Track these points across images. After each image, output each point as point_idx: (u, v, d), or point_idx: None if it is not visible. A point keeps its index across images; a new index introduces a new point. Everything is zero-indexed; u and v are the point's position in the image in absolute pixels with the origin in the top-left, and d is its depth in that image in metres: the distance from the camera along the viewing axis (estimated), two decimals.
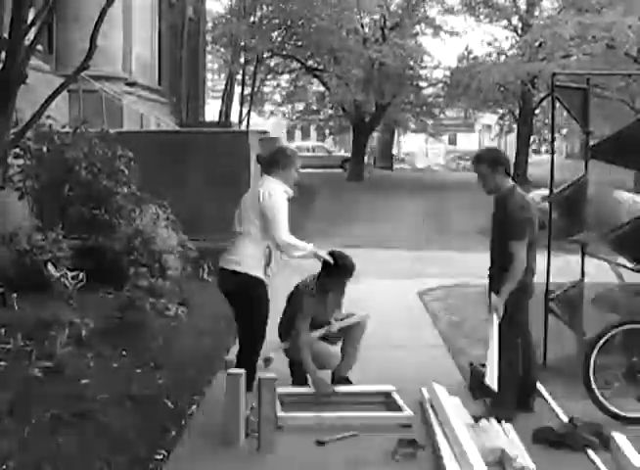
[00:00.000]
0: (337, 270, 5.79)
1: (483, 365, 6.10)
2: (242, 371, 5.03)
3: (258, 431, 4.83)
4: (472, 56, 30.21)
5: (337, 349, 6.10)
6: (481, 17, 30.79)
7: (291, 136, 52.17)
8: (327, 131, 42.58)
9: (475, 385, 6.03)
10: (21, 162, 8.43)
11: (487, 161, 5.44)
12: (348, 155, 34.24)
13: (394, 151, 46.03)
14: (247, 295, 5.26)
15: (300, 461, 4.73)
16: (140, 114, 15.20)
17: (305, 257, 5.40)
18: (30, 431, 4.58)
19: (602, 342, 5.50)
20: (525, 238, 5.27)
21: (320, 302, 6.02)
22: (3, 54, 6.05)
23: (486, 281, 5.68)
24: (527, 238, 5.29)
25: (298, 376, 5.92)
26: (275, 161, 5.46)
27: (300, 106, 36.95)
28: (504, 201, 5.39)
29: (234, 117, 28.71)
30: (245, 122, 29.04)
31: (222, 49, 31.00)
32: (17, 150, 8.00)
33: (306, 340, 5.78)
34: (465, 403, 5.55)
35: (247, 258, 5.24)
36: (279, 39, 29.50)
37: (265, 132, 18.09)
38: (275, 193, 5.26)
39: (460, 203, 23.15)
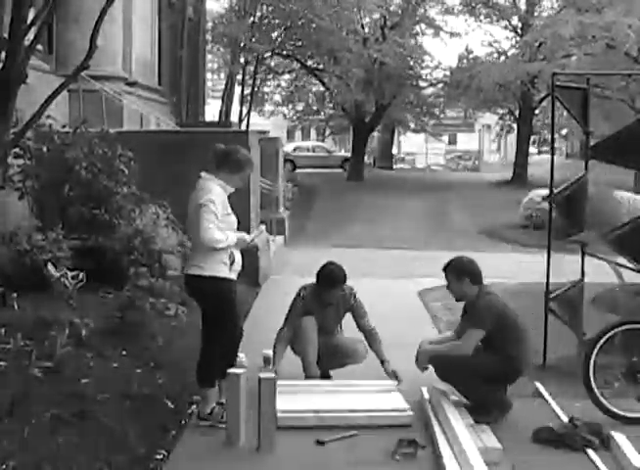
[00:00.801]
0: (319, 281, 6.05)
1: None
2: (242, 371, 5.03)
3: (258, 431, 4.83)
4: (472, 56, 30.25)
5: (361, 345, 6.22)
6: (481, 17, 30.82)
7: (291, 136, 52.17)
8: (327, 131, 42.61)
9: None
10: (21, 162, 8.41)
11: (454, 271, 5.67)
12: (348, 155, 34.26)
13: (394, 151, 46.04)
14: (216, 297, 5.17)
15: (300, 461, 4.73)
16: (140, 114, 15.19)
17: (236, 246, 5.33)
18: (30, 431, 4.58)
19: (602, 342, 5.50)
20: (482, 328, 5.42)
21: (320, 313, 6.07)
22: (3, 54, 6.05)
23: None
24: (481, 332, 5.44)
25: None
26: (225, 162, 5.40)
27: (300, 106, 36.95)
28: (474, 305, 5.60)
29: (234, 117, 28.71)
30: (245, 122, 29.03)
31: (222, 49, 31.00)
32: (17, 150, 7.98)
33: (284, 335, 6.03)
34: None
35: (208, 262, 5.14)
36: (279, 39, 29.50)
37: (265, 132, 18.10)
38: (207, 192, 5.16)
39: (460, 203, 23.17)
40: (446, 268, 5.71)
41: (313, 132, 52.04)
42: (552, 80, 6.89)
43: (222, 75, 34.77)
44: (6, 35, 5.97)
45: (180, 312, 7.54)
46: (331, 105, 34.61)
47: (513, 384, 5.57)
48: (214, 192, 5.17)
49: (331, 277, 6.05)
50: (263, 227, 6.40)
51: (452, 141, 55.75)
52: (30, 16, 6.36)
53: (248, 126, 27.41)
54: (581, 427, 5.01)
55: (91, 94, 13.23)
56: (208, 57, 30.97)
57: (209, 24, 28.73)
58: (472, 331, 5.46)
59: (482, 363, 5.35)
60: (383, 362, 6.05)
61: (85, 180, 8.53)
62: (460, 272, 5.62)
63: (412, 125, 38.40)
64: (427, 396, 5.63)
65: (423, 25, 31.21)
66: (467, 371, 5.35)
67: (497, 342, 5.41)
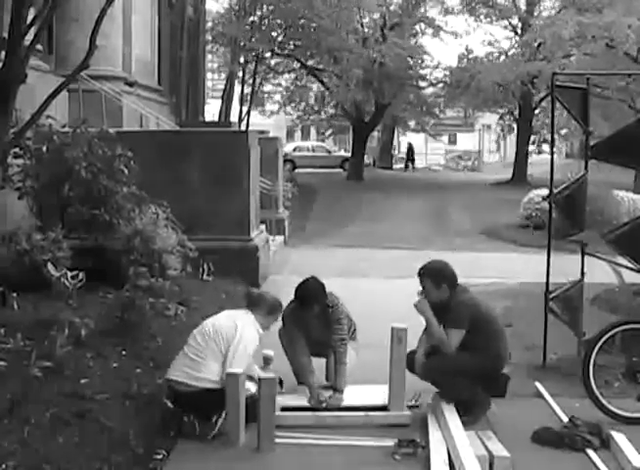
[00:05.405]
0: (297, 298, 5.88)
1: None
2: (241, 371, 5.04)
3: (258, 431, 4.83)
4: (472, 56, 30.24)
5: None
6: (481, 17, 30.82)
7: (291, 136, 52.15)
8: (327, 131, 42.61)
9: None
10: (20, 161, 8.41)
11: (432, 277, 5.56)
12: (348, 155, 34.26)
13: (394, 151, 46.04)
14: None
15: (300, 461, 4.73)
16: (140, 114, 15.19)
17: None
18: (30, 431, 4.58)
19: (602, 342, 5.51)
20: (463, 327, 5.37)
21: (307, 328, 5.94)
22: (3, 54, 6.05)
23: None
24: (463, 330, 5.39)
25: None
26: (263, 305, 5.57)
27: (300, 106, 36.95)
28: (446, 305, 5.51)
29: (234, 117, 28.69)
30: (245, 122, 29.02)
31: (222, 49, 30.99)
32: (17, 150, 7.98)
33: (300, 353, 5.82)
34: None
35: (215, 376, 5.13)
36: (279, 39, 29.50)
37: (265, 132, 18.09)
38: (251, 334, 5.30)
39: (460, 203, 23.16)
40: (423, 274, 5.59)
41: (313, 132, 52.00)
42: (552, 80, 6.89)
43: (222, 75, 34.76)
44: (6, 35, 5.97)
45: (180, 312, 7.54)
46: (331, 105, 34.62)
47: (492, 381, 5.53)
48: (255, 335, 5.37)
49: (307, 295, 5.85)
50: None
51: (452, 141, 55.78)
52: (30, 16, 6.35)
53: (247, 126, 27.40)
54: (581, 427, 5.01)
55: (91, 94, 13.22)
56: (208, 57, 30.97)
57: (209, 24, 28.72)
58: (452, 331, 5.39)
59: (464, 363, 5.34)
60: (334, 390, 5.73)
61: (85, 180, 8.52)
62: (439, 279, 5.53)
63: (412, 125, 38.41)
64: (428, 400, 5.62)
65: (422, 25, 31.23)
66: (450, 371, 5.33)
67: (475, 340, 5.37)
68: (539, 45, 26.01)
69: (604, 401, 5.40)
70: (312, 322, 5.97)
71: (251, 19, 28.38)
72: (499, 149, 54.78)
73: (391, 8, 29.85)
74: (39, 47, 11.14)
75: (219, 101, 30.03)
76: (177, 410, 5.18)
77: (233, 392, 4.90)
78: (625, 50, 22.70)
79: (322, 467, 4.69)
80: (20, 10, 5.92)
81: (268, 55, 30.15)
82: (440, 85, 31.90)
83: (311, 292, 5.87)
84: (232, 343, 5.17)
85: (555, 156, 7.30)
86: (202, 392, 5.06)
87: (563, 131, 32.23)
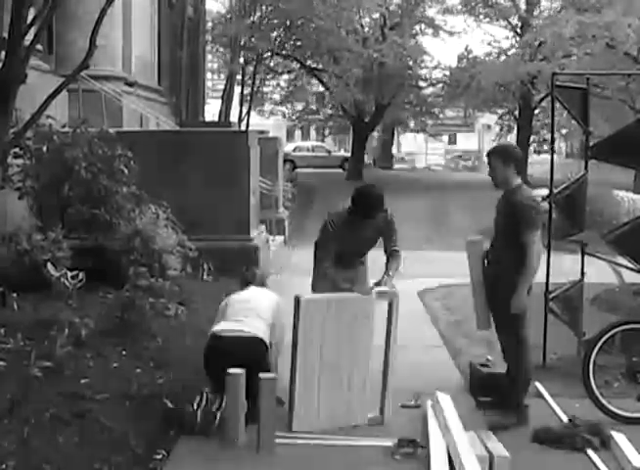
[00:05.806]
0: (358, 209, 5.79)
1: (483, 365, 6.11)
2: (242, 371, 5.03)
3: (258, 431, 4.83)
4: (471, 56, 30.23)
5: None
6: (481, 16, 30.80)
7: (291, 136, 52.17)
8: (327, 131, 42.63)
9: (474, 384, 6.04)
10: (20, 161, 8.42)
11: (500, 154, 5.49)
12: (348, 155, 34.26)
13: (394, 151, 46.05)
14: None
15: (300, 461, 4.73)
16: (140, 114, 15.20)
17: None
18: (30, 431, 4.58)
19: (602, 342, 5.50)
20: (538, 228, 5.27)
21: (352, 239, 5.89)
22: (3, 54, 6.06)
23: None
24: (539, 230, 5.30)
25: None
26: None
27: (300, 106, 36.96)
28: (513, 195, 5.37)
29: (234, 117, 28.69)
30: (245, 122, 29.02)
31: (222, 49, 31.00)
32: (17, 150, 7.99)
33: (328, 268, 5.85)
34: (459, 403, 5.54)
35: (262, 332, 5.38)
36: (278, 39, 29.50)
37: (265, 132, 18.10)
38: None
39: (460, 203, 23.15)
40: (492, 152, 5.57)
41: (313, 132, 52.04)
42: (552, 80, 6.89)
43: (222, 75, 34.78)
44: (6, 35, 5.97)
45: (180, 312, 7.54)
46: (330, 105, 34.62)
47: None
48: None
49: (370, 205, 5.80)
50: None
51: (452, 141, 55.79)
52: (30, 16, 6.36)
53: (247, 126, 27.40)
54: (581, 427, 5.01)
55: (91, 94, 13.23)
56: (208, 57, 30.98)
57: (209, 24, 28.72)
58: (529, 237, 5.19)
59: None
60: (385, 273, 5.91)
61: (85, 180, 8.53)
62: (507, 157, 5.45)
63: (412, 125, 38.40)
64: (429, 403, 5.60)
65: (422, 25, 31.22)
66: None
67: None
68: (540, 45, 25.99)
69: (604, 401, 5.40)
70: (360, 234, 5.90)
71: (251, 19, 28.37)
72: None
73: (391, 8, 29.84)
74: (39, 47, 11.15)
75: (219, 101, 30.03)
76: (217, 365, 5.11)
77: (233, 392, 4.90)
78: (625, 50, 22.67)
79: (322, 467, 4.68)
80: (20, 10, 5.93)
81: (268, 55, 30.14)
82: (440, 85, 31.89)
83: (376, 201, 5.84)
84: (276, 315, 5.51)
85: (555, 156, 7.30)
86: (251, 338, 5.21)
87: (563, 131, 32.25)
